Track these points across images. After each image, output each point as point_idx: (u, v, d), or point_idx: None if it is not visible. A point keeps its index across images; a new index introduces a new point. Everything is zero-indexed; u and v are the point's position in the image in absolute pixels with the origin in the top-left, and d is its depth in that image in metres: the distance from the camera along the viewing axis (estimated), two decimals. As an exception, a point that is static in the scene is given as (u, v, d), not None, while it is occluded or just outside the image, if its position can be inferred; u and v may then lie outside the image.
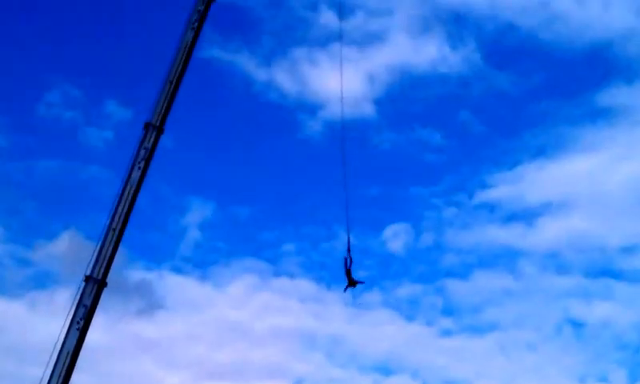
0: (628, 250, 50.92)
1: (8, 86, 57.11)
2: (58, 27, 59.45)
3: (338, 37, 30.37)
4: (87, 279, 20.62)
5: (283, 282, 52.90)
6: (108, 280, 20.86)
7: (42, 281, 50.12)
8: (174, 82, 22.76)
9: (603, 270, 51.71)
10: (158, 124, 22.25)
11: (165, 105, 22.48)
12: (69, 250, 46.69)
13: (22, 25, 58.59)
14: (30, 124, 56.08)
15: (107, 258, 20.92)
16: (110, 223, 21.21)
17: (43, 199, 53.44)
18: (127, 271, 48.77)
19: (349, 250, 24.98)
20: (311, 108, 57.02)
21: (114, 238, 21.11)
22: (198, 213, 54.88)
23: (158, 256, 53.27)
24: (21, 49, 57.73)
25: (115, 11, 59.68)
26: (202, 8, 23.72)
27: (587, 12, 56.94)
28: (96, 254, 20.94)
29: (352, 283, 24.85)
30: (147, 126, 22.24)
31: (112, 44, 59.15)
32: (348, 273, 24.82)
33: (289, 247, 54.24)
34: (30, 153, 55.13)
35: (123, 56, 57.89)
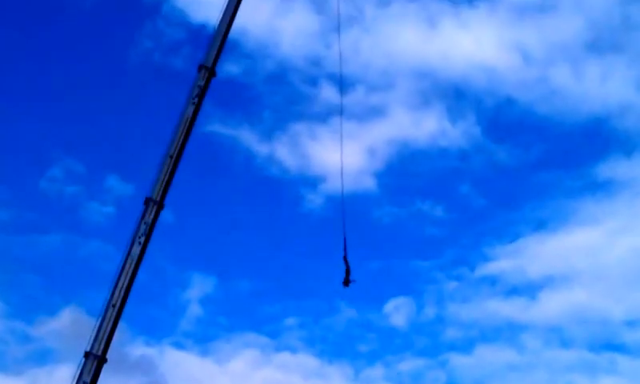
0: (631, 323, 50.49)
1: (12, 160, 57.50)
2: (63, 103, 60.09)
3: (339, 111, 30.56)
4: (87, 355, 20.45)
5: (285, 357, 52.30)
6: (108, 356, 20.69)
7: (43, 357, 49.57)
8: (174, 157, 22.93)
9: (607, 343, 51.15)
10: (158, 199, 22.35)
11: (165, 180, 22.61)
12: (70, 325, 46.33)
13: (27, 101, 59.28)
14: (33, 199, 56.29)
15: (107, 334, 20.76)
16: (110, 299, 21.12)
17: (44, 274, 53.22)
18: (128, 347, 48.40)
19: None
20: (312, 182, 57.30)
21: (114, 314, 20.99)
22: (199, 288, 54.58)
23: (159, 331, 52.81)
24: (25, 124, 58.23)
25: (118, 88, 60.56)
26: (202, 83, 24.11)
27: (584, 86, 57.81)
28: (96, 330, 20.80)
29: (346, 283, 26.52)
30: (147, 202, 22.34)
31: (115, 119, 59.73)
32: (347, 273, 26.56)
33: (290, 321, 53.82)
34: (31, 227, 55.13)
35: (126, 131, 58.42)
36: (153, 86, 56.89)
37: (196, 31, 54.83)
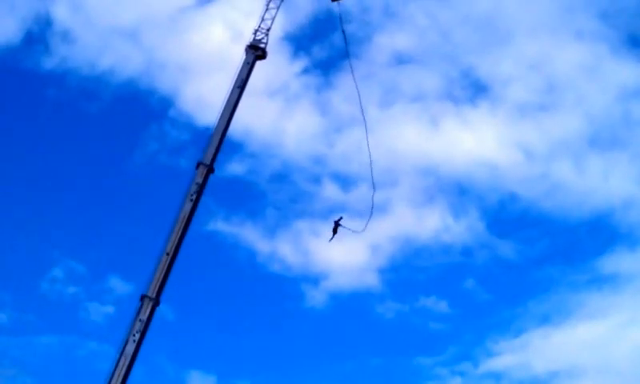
0: (638, 419, 49.53)
1: (14, 262, 57.53)
2: (66, 203, 60.46)
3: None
4: None
5: None
6: None
7: None
8: (170, 254, 22.93)
9: (615, 440, 50.06)
10: (154, 296, 22.22)
11: (161, 277, 22.55)
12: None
13: (31, 201, 59.64)
14: (33, 300, 56.05)
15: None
16: (104, 398, 20.80)
17: (40, 375, 52.63)
18: None
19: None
20: (314, 279, 57.04)
21: (108, 413, 20.66)
22: (198, 387, 53.71)
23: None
24: (28, 225, 58.50)
25: (122, 188, 61.02)
26: (200, 180, 24.28)
27: (587, 181, 58.10)
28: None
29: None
30: (143, 298, 22.24)
31: (118, 219, 60.00)
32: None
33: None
34: (30, 328, 54.69)
35: (129, 231, 58.57)
36: (157, 187, 57.29)
37: (201, 133, 55.62)
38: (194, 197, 23.97)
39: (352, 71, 29.76)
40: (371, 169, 29.65)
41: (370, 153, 29.36)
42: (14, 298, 54.55)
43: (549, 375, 51.85)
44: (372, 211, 28.78)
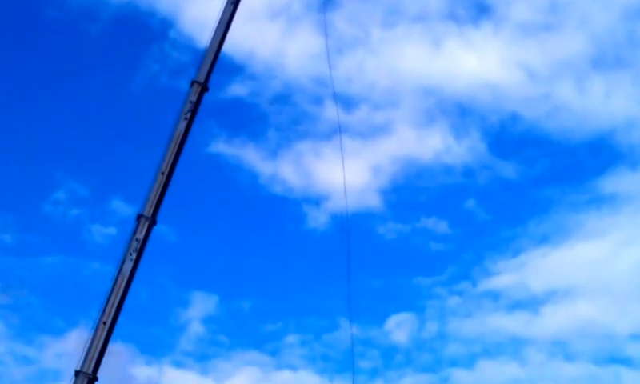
0: (636, 337, 50.18)
1: (16, 184, 57.85)
2: (68, 127, 60.46)
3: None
4: (77, 374, 20.12)
5: (285, 375, 52.11)
6: (99, 374, 20.44)
7: (45, 378, 49.63)
8: (165, 173, 22.76)
9: (611, 357, 50.85)
10: (149, 215, 22.17)
11: (157, 196, 22.44)
12: (71, 346, 46.25)
13: (33, 124, 59.62)
14: (36, 222, 56.67)
15: (98, 353, 20.42)
16: (101, 316, 20.83)
17: (45, 296, 53.35)
18: (127, 366, 48.28)
19: None
20: (316, 200, 57.33)
21: (105, 332, 20.69)
22: (200, 307, 54.55)
23: (159, 351, 52.73)
24: (31, 148, 58.65)
25: (124, 110, 60.90)
26: (194, 99, 24.00)
27: (589, 102, 57.93)
28: (86, 348, 20.51)
29: None
30: (139, 218, 22.17)
31: (120, 142, 60.06)
32: None
33: (291, 339, 53.66)
34: (34, 250, 55.34)
35: (131, 153, 58.67)
36: (158, 108, 57.10)
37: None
38: (188, 115, 23.66)
39: None
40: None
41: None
42: (17, 219, 55.19)
43: (546, 294, 52.56)
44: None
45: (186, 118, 23.72)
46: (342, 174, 28.61)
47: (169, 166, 22.94)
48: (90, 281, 52.82)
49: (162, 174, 22.78)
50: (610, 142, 56.70)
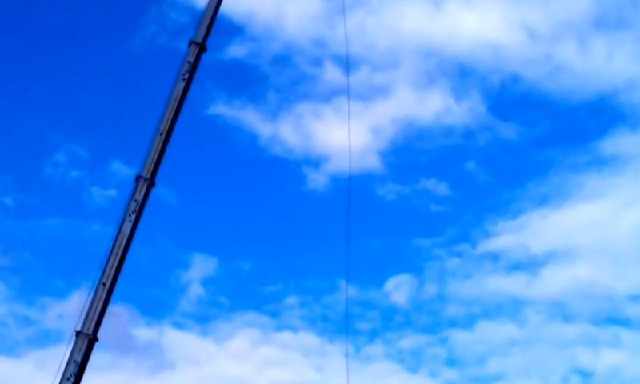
0: (635, 297, 50.42)
1: (16, 146, 57.85)
2: (67, 89, 60.27)
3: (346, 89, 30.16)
4: (77, 334, 20.28)
5: (285, 336, 52.50)
6: (100, 335, 20.56)
7: (47, 339, 50.05)
8: (164, 134, 22.70)
9: (610, 318, 51.14)
10: (148, 176, 22.18)
11: (155, 157, 22.43)
12: (72, 308, 46.51)
13: (32, 86, 59.47)
14: (36, 184, 56.75)
15: (98, 313, 20.58)
16: (101, 277, 20.94)
17: (46, 258, 53.60)
18: (127, 327, 48.64)
19: None
20: (316, 162, 57.27)
21: (105, 293, 20.80)
22: (200, 268, 54.77)
23: (159, 312, 53.14)
24: (30, 110, 58.56)
25: (123, 72, 60.63)
26: (192, 59, 23.85)
27: (591, 62, 57.56)
28: (86, 308, 20.64)
29: None
30: (138, 179, 22.19)
31: (119, 104, 59.88)
32: None
33: (291, 300, 53.94)
34: (34, 212, 55.47)
35: (130, 115, 58.53)
36: (157, 70, 56.84)
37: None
38: (186, 76, 23.54)
39: None
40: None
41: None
42: (17, 181, 55.26)
43: (546, 255, 52.70)
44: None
45: (184, 79, 23.60)
46: (346, 136, 28.63)
47: (167, 126, 22.87)
48: (90, 242, 53.06)
49: (161, 134, 22.74)
50: (612, 102, 56.58)
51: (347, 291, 27.05)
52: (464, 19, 59.24)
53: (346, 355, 25.48)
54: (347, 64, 30.73)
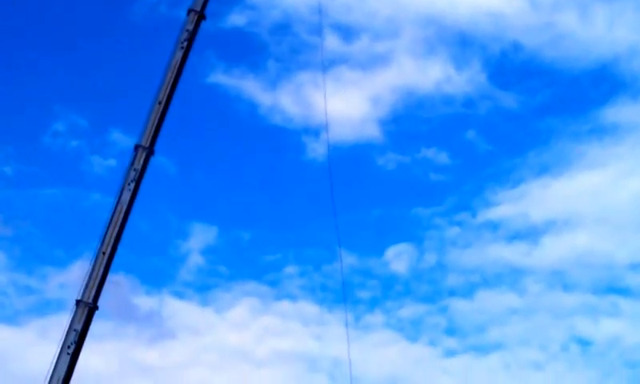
0: (635, 266, 50.43)
1: (15, 116, 57.73)
2: (66, 58, 60.06)
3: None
4: (78, 303, 20.34)
5: (285, 305, 52.64)
6: (101, 304, 20.63)
7: (48, 308, 50.26)
8: (163, 103, 22.67)
9: (610, 287, 51.15)
10: (147, 145, 22.16)
11: (154, 126, 22.40)
12: (74, 277, 46.67)
13: (31, 56, 59.19)
14: (36, 153, 56.71)
15: (98, 282, 20.63)
16: (101, 246, 20.99)
17: (47, 227, 53.71)
18: (128, 296, 48.85)
19: None
20: (315, 131, 57.08)
21: (105, 262, 20.86)
22: (200, 238, 54.83)
23: (159, 281, 53.20)
24: (29, 79, 58.42)
25: (122, 41, 60.39)
26: (190, 27, 23.79)
27: (592, 30, 57.18)
28: (86, 277, 20.69)
29: None
30: (137, 148, 22.18)
31: (119, 73, 59.66)
32: None
33: (290, 270, 54.02)
34: (34, 181, 55.49)
35: (129, 84, 58.37)
36: (158, 38, 56.56)
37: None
38: (184, 44, 23.48)
39: None
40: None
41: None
42: (17, 151, 55.18)
43: (546, 224, 52.73)
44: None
45: (182, 47, 23.53)
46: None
47: (166, 95, 22.84)
48: (90, 212, 53.08)
49: (159, 103, 22.71)
50: (613, 71, 56.32)
51: (342, 266, 26.96)
52: (465, -14, 58.93)
53: (346, 325, 25.55)
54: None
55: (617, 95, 56.03)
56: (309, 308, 51.97)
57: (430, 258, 53.76)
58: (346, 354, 24.13)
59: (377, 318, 51.26)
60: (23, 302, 50.54)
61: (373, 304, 52.15)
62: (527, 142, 57.23)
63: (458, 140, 58.34)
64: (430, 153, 57.23)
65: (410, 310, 52.06)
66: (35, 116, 58.11)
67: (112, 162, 54.76)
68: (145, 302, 51.11)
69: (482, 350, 50.14)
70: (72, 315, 20.28)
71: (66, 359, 19.69)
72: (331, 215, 25.50)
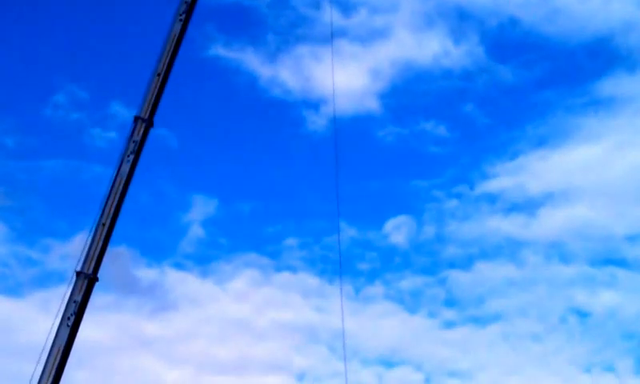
0: (633, 238, 50.73)
1: (16, 88, 57.68)
2: (66, 29, 59.89)
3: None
4: (78, 274, 20.43)
5: (285, 277, 52.92)
6: (102, 276, 20.73)
7: (50, 280, 50.54)
8: (162, 75, 22.64)
9: (608, 258, 51.46)
10: (146, 117, 22.16)
11: (153, 98, 22.38)
12: (75, 249, 46.81)
13: (30, 27, 59.02)
14: (37, 125, 56.77)
15: (97, 253, 20.71)
16: (100, 218, 21.04)
17: (48, 199, 53.90)
18: (129, 268, 49.08)
19: None
20: (315, 104, 57.20)
21: (104, 233, 20.92)
22: (200, 209, 55.05)
23: (160, 253, 53.47)
24: (29, 52, 58.28)
25: (122, 12, 60.15)
26: (189, -1, 23.78)
27: (588, 5, 57.30)
28: (86, 249, 20.76)
29: None
30: (136, 120, 22.17)
31: (118, 45, 59.57)
32: None
33: (291, 241, 54.26)
34: (35, 153, 55.59)
35: (129, 57, 58.29)
36: (159, 10, 56.44)
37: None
38: (183, 16, 23.42)
39: None
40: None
41: None
42: (18, 123, 55.27)
43: (544, 196, 52.95)
44: None
45: (181, 20, 23.47)
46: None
47: (164, 67, 22.80)
48: (92, 184, 53.19)
49: (158, 75, 22.68)
50: (609, 44, 56.45)
51: (340, 245, 27.03)
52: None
53: (341, 295, 25.71)
54: None
55: (613, 69, 56.33)
56: (309, 280, 52.32)
57: (429, 230, 54.08)
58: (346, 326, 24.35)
59: (377, 289, 51.66)
60: (25, 274, 50.86)
61: (373, 276, 52.50)
62: (524, 115, 57.50)
63: (456, 113, 58.59)
64: (428, 126, 57.44)
65: (409, 282, 52.42)
66: (36, 88, 58.18)
67: (113, 134, 54.83)
68: (146, 273, 51.42)
69: (481, 321, 50.56)
70: (72, 286, 20.35)
71: (66, 331, 19.73)
72: (332, 187, 25.54)
